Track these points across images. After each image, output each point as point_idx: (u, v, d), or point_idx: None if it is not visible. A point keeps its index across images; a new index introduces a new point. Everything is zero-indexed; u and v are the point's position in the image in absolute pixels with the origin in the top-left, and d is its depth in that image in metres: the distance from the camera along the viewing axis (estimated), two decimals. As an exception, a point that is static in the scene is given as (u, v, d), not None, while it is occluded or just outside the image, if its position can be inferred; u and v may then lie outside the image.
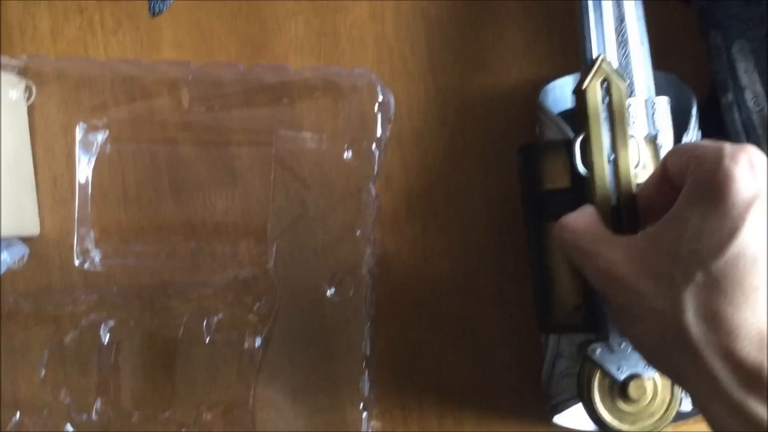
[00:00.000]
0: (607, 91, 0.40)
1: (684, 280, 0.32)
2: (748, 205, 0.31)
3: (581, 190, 0.41)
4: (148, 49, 0.55)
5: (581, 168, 0.40)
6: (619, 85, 0.39)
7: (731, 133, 0.47)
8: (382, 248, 0.52)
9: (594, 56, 0.41)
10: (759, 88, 0.46)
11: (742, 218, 0.31)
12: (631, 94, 0.45)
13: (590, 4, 0.44)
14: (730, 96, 0.47)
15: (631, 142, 0.40)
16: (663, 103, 0.46)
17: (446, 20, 0.54)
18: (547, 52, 0.53)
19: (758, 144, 0.46)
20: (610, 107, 0.40)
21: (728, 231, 0.31)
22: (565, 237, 0.38)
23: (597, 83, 0.40)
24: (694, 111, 0.46)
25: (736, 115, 0.47)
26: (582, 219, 0.38)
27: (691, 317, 0.32)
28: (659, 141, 0.45)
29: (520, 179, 0.46)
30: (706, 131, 0.49)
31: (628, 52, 0.46)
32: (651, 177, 0.38)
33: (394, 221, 0.53)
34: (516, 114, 0.53)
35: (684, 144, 0.36)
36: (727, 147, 0.33)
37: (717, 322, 0.31)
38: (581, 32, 0.44)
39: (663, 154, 0.45)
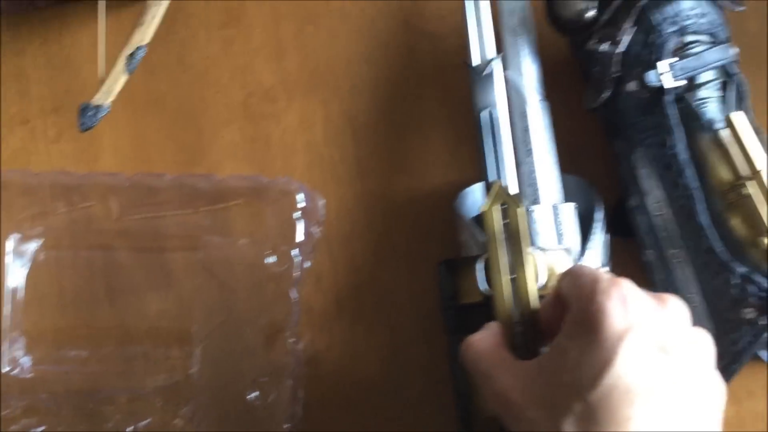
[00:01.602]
0: (505, 213, 0.39)
1: (564, 410, 0.31)
2: (620, 339, 0.31)
3: (490, 306, 0.40)
4: (88, 157, 0.54)
5: (484, 287, 0.40)
6: (516, 208, 0.39)
7: (638, 236, 0.47)
8: (312, 348, 0.51)
9: (492, 180, 0.41)
10: (659, 193, 0.45)
11: (614, 351, 0.31)
12: (536, 201, 0.45)
13: (487, 131, 0.44)
14: (634, 200, 0.46)
15: (530, 261, 0.39)
16: (569, 209, 0.45)
17: (372, 126, 0.54)
18: (469, 157, 0.52)
19: (662, 246, 0.45)
20: (509, 228, 0.39)
21: (602, 363, 0.31)
22: (468, 357, 0.37)
23: (496, 206, 0.39)
24: (597, 216, 0.45)
25: (641, 218, 0.46)
26: (485, 340, 0.37)
27: None
28: (569, 247, 0.44)
29: (439, 292, 0.45)
30: (620, 232, 0.49)
31: (534, 161, 0.45)
32: (548, 296, 0.38)
33: (324, 321, 0.51)
34: (441, 216, 0.52)
35: (573, 268, 0.36)
36: (602, 281, 0.32)
37: None
38: (480, 157, 0.44)
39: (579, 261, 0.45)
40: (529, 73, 0.47)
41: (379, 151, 0.53)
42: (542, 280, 0.41)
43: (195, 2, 0.56)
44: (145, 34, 0.49)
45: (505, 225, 0.39)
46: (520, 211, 0.39)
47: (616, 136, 0.47)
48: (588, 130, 0.51)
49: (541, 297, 0.39)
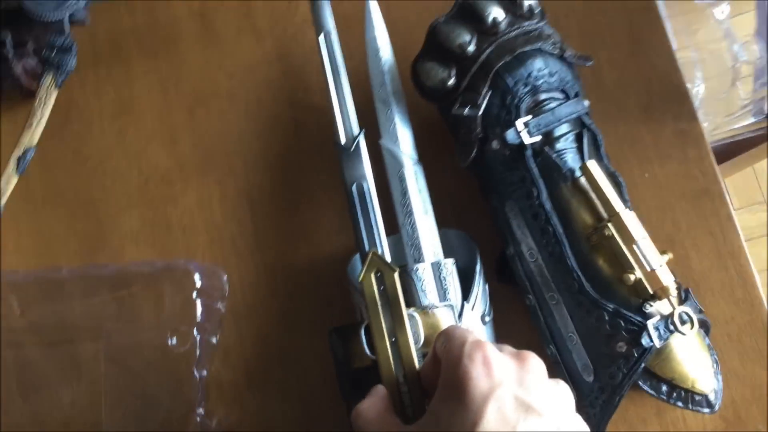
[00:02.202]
0: (381, 280, 0.41)
1: None
2: (485, 399, 0.33)
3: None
4: (-10, 257, 0.54)
5: (368, 352, 0.41)
6: (390, 275, 0.40)
7: (518, 282, 0.49)
8: (226, 423, 0.51)
9: (366, 250, 0.42)
10: (530, 241, 0.47)
11: (480, 411, 0.32)
12: (420, 259, 0.47)
13: (356, 201, 0.46)
14: (511, 249, 0.49)
15: (409, 323, 0.40)
16: (449, 265, 0.47)
17: (268, 200, 0.55)
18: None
19: (540, 290, 0.47)
20: (385, 294, 0.40)
21: (470, 423, 0.32)
22: (357, 426, 0.38)
23: (372, 275, 0.40)
24: (477, 267, 0.48)
25: (519, 265, 0.48)
26: (372, 408, 0.38)
27: None
28: (453, 303, 0.46)
29: (333, 358, 0.46)
30: (506, 280, 0.51)
31: (414, 222, 0.47)
32: (427, 357, 0.39)
33: (235, 395, 0.52)
34: (339, 281, 0.53)
35: (446, 330, 0.37)
36: (467, 345, 0.34)
37: None
38: (354, 228, 0.45)
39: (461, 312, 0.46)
40: (403, 139, 0.49)
41: (276, 222, 0.55)
42: (422, 340, 0.42)
43: (86, 96, 0.58)
44: (34, 135, 0.50)
45: (383, 291, 0.41)
46: (396, 276, 0.40)
47: (490, 191, 0.49)
48: (471, 186, 0.53)
49: (425, 355, 0.41)
